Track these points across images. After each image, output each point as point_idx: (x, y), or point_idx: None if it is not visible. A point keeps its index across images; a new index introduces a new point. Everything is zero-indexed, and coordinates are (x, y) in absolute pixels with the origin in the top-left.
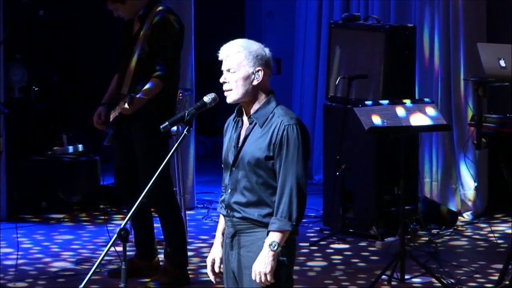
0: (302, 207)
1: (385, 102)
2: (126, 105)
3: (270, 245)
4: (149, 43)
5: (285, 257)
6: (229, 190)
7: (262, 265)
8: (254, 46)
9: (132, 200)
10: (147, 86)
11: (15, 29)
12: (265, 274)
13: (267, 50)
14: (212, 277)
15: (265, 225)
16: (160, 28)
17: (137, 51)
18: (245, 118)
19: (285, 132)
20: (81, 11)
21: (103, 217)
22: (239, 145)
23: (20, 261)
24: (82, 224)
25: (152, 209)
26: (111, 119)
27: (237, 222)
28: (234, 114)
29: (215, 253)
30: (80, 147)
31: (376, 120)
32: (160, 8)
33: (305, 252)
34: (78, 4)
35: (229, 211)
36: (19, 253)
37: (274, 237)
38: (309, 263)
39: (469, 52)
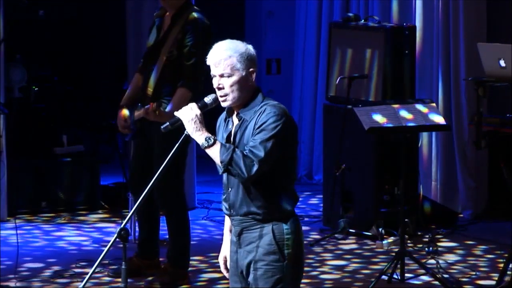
0: (240, 169)
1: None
2: (152, 108)
3: (205, 138)
4: (178, 48)
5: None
6: (229, 189)
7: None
8: (242, 47)
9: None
10: (176, 99)
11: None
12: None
13: (251, 48)
14: (226, 275)
15: (266, 219)
16: (191, 33)
17: (165, 53)
18: (235, 116)
19: (263, 118)
20: (81, 11)
21: (102, 218)
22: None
23: (20, 261)
24: (82, 224)
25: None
26: (135, 118)
27: (241, 220)
28: (224, 114)
29: (226, 251)
30: (80, 147)
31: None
32: (193, 12)
33: (304, 252)
34: (78, 4)
35: (232, 210)
36: (19, 253)
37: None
38: (309, 263)
39: (469, 52)
